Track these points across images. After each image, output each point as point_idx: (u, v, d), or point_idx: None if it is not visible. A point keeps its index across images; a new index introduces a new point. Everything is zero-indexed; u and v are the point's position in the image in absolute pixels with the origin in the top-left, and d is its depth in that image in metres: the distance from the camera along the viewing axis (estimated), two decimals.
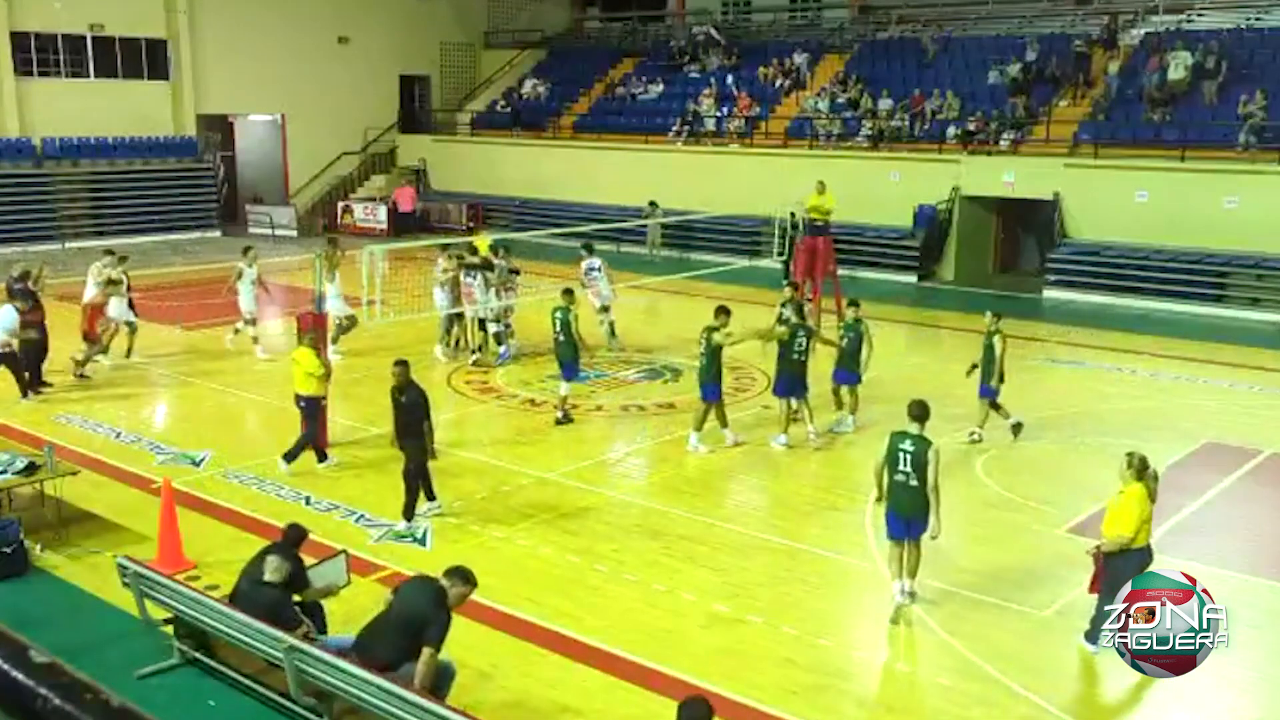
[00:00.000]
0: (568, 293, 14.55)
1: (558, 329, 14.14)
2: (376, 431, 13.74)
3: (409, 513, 10.69)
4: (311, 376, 12.03)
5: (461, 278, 17.10)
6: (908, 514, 8.90)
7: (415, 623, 6.90)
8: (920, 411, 9.06)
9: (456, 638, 8.50)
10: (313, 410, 12.18)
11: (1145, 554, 8.04)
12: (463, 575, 7.11)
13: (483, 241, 21.50)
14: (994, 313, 13.51)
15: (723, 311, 13.27)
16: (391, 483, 11.08)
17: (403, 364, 10.73)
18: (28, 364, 14.99)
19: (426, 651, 6.76)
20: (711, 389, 13.08)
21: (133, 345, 17.18)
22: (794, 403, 13.48)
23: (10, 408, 14.47)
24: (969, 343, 20.01)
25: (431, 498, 10.94)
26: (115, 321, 16.60)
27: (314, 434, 12.25)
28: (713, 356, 12.92)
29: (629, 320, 21.23)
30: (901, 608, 8.97)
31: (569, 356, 14.18)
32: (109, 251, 17.56)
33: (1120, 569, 7.78)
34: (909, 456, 8.84)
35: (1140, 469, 8.14)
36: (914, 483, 8.81)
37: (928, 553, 9.11)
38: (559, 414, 14.18)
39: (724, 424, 13.30)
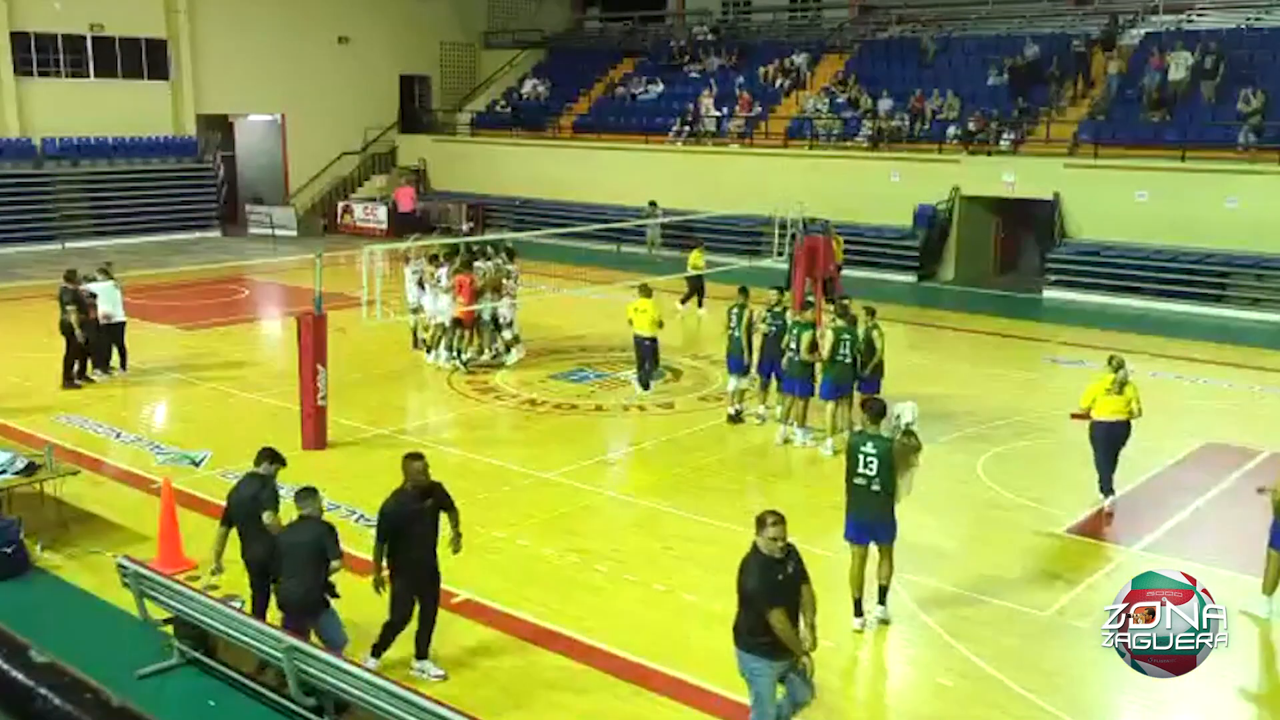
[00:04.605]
0: (744, 291, 14.65)
1: (731, 325, 14.26)
2: (376, 431, 13.77)
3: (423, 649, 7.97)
4: (654, 322, 15.10)
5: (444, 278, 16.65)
6: (838, 380, 12.85)
7: None
8: (847, 310, 13.22)
9: (455, 638, 8.49)
10: (655, 347, 15.47)
11: (1103, 425, 11.02)
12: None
13: (697, 256, 21.56)
14: (868, 308, 14.02)
15: (869, 312, 13.64)
16: (392, 482, 11.04)
17: (419, 457, 8.12)
18: (76, 356, 15.69)
19: None
20: (834, 387, 13.18)
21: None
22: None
23: (10, 408, 14.49)
24: (969, 343, 20.07)
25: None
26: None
27: (656, 365, 15.65)
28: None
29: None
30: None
31: (735, 353, 14.17)
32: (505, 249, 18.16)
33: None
34: (847, 343, 12.84)
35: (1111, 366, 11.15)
36: (849, 360, 12.83)
37: (928, 553, 9.13)
38: (730, 411, 14.23)
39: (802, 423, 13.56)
